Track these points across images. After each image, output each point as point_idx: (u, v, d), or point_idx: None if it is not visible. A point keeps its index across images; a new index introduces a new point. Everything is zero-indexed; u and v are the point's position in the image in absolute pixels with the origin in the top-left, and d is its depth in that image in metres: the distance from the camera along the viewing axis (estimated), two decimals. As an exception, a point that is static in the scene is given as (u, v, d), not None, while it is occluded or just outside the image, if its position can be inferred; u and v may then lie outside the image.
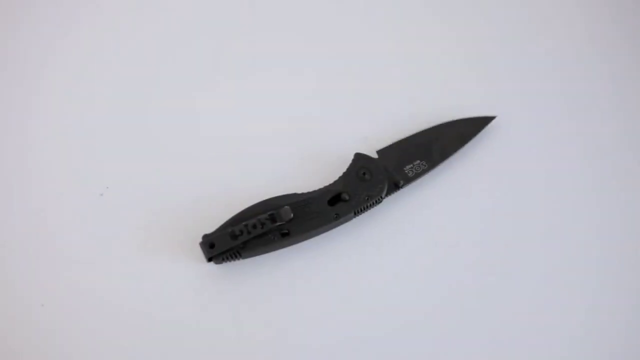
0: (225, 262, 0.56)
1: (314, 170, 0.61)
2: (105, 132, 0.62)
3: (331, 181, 0.59)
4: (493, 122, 0.63)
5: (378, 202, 0.59)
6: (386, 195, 0.59)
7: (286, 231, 0.56)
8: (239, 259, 0.56)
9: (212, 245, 0.55)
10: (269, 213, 0.56)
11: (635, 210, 0.62)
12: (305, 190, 0.58)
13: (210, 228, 0.56)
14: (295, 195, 0.58)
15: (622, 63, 0.68)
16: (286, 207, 0.56)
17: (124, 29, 0.67)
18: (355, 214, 0.58)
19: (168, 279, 0.57)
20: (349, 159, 0.60)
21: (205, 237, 0.55)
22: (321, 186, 0.59)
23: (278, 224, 0.56)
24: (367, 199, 0.58)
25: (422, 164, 0.61)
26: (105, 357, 0.55)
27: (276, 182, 0.60)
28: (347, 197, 0.58)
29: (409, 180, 0.60)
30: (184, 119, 0.63)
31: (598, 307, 0.59)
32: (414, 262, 0.59)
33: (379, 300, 0.58)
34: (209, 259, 0.55)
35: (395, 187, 0.60)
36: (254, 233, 0.55)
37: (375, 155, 0.61)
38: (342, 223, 0.59)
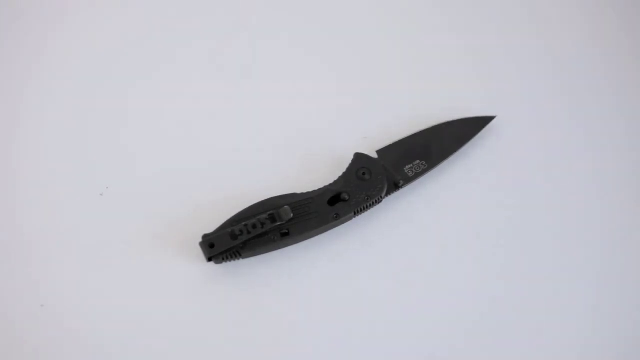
0: (225, 262, 0.56)
1: (314, 170, 0.61)
2: (105, 131, 0.62)
3: (331, 181, 0.59)
4: (493, 122, 0.63)
5: (378, 202, 0.59)
6: (386, 195, 0.59)
7: (286, 231, 0.56)
8: (239, 259, 0.56)
9: (212, 245, 0.55)
10: (268, 213, 0.56)
11: (637, 210, 0.62)
12: (305, 190, 0.58)
13: (210, 228, 0.56)
14: (295, 195, 0.57)
15: (622, 62, 0.68)
16: (286, 207, 0.56)
17: (122, 27, 0.67)
18: (355, 214, 0.58)
19: (168, 278, 0.57)
20: (348, 159, 0.60)
21: (205, 236, 0.55)
22: (321, 186, 0.59)
23: (278, 223, 0.55)
24: (367, 198, 0.58)
25: (422, 164, 0.61)
26: (105, 357, 0.55)
27: (276, 182, 0.60)
28: (347, 197, 0.58)
29: (408, 180, 0.60)
30: (184, 118, 0.63)
31: (599, 305, 0.59)
32: (414, 262, 0.59)
33: (379, 301, 0.58)
34: (209, 259, 0.55)
35: (395, 187, 0.60)
36: (253, 233, 0.55)
37: (375, 155, 0.61)
38: (342, 223, 0.59)
